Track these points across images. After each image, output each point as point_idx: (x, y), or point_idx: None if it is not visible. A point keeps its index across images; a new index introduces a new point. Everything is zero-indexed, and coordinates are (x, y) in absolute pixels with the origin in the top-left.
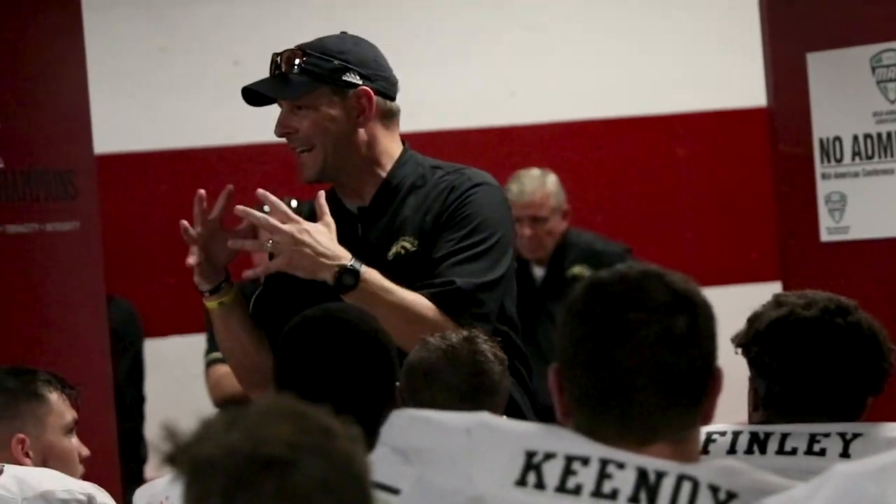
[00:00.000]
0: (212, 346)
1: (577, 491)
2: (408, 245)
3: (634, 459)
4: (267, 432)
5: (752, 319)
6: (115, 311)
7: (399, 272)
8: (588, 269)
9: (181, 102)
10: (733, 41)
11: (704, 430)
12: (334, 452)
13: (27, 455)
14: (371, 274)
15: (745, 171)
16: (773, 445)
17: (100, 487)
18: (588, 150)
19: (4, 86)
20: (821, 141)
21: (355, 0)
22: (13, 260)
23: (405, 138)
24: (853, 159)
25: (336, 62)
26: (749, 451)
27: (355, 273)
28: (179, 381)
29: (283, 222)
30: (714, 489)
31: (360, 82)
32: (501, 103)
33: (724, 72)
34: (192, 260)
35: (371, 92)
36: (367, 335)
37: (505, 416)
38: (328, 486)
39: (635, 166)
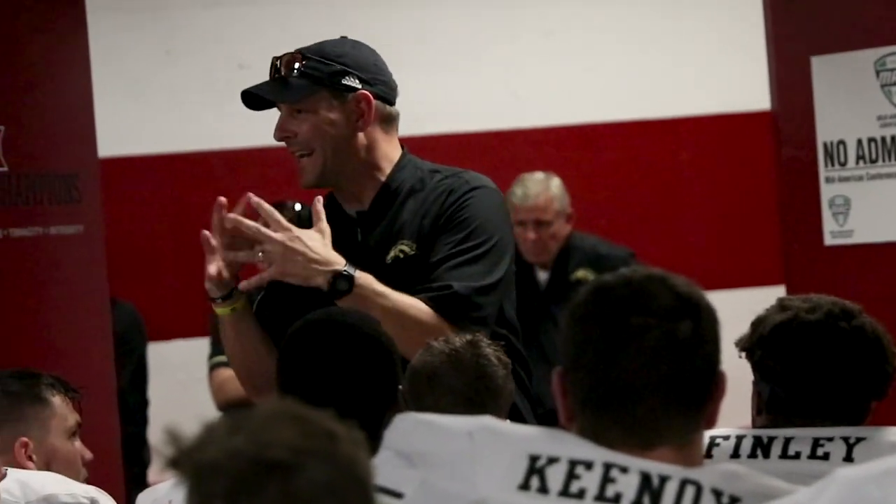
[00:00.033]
0: (215, 349)
1: (580, 495)
2: (406, 249)
3: (638, 463)
4: (270, 436)
5: (756, 323)
6: (118, 315)
7: (397, 276)
8: (592, 273)
9: (185, 106)
10: (737, 45)
11: (708, 434)
12: (338, 456)
13: (30, 459)
14: (365, 279)
15: (749, 174)
16: (776, 449)
17: (103, 491)
18: (592, 153)
19: (8, 89)
20: (825, 145)
21: (360, 3)
22: (17, 263)
23: (410, 142)
24: (857, 163)
25: (335, 66)
26: (753, 455)
27: (349, 278)
28: (183, 384)
29: (275, 230)
30: (717, 493)
31: (360, 86)
32: (506, 107)
33: (728, 75)
34: (212, 270)
35: (370, 96)
36: (370, 338)
37: (508, 421)
38: (332, 489)
39: (639, 170)
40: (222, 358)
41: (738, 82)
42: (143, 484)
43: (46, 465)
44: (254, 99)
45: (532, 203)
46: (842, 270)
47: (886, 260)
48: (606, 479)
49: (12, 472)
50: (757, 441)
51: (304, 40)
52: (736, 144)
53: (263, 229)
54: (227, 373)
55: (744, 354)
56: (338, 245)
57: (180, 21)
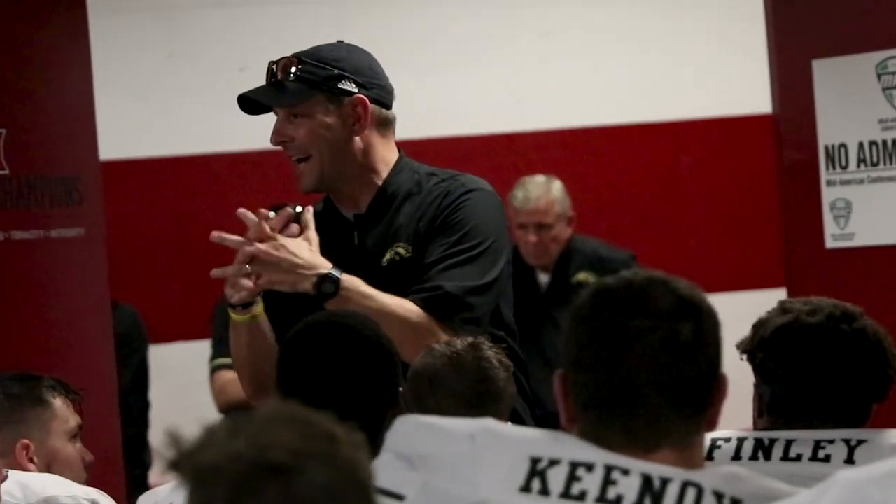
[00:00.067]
0: (216, 352)
1: (581, 497)
2: (402, 251)
3: (639, 466)
4: (271, 439)
5: (758, 326)
6: (119, 317)
7: (393, 278)
8: (593, 276)
9: (187, 108)
10: (739, 48)
11: (709, 437)
12: (338, 459)
13: (31, 461)
14: (351, 281)
15: (751, 177)
16: (777, 452)
17: (104, 493)
18: (593, 156)
19: (10, 91)
20: (826, 148)
21: (361, 6)
22: (18, 266)
23: (411, 145)
24: (858, 166)
25: (332, 70)
26: (754, 457)
27: (335, 280)
28: (184, 387)
29: (261, 241)
30: (718, 496)
31: (356, 90)
32: (507, 110)
33: (729, 79)
34: (250, 284)
35: (366, 100)
36: (370, 340)
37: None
38: (332, 492)
39: (640, 173)
40: (223, 360)
41: (740, 86)
42: (143, 486)
43: (47, 467)
44: (250, 103)
45: (533, 206)
46: (843, 273)
47: (887, 263)
48: (607, 481)
49: (13, 474)
50: (758, 443)
51: (306, 42)
52: (737, 148)
53: (247, 242)
54: (228, 375)
55: (745, 357)
56: (335, 248)
57: (182, 23)
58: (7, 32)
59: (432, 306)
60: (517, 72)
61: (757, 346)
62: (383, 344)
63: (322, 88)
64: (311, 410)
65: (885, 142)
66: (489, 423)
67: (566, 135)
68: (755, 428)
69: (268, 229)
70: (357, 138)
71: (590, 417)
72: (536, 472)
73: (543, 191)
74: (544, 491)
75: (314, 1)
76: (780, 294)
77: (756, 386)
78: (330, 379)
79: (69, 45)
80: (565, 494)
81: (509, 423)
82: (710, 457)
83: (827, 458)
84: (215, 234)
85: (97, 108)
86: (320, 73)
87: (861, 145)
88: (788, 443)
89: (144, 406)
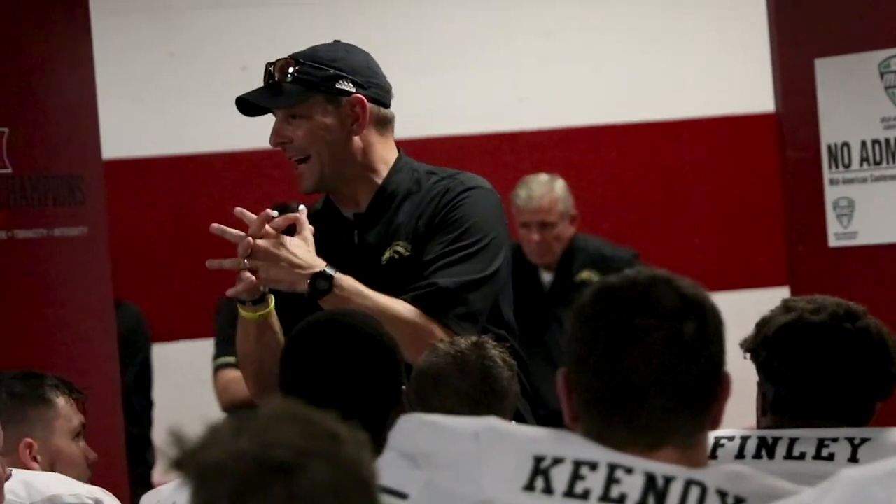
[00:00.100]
0: (220, 350)
1: (585, 496)
2: (401, 250)
3: (643, 464)
4: (274, 437)
5: (761, 324)
6: (122, 316)
7: (392, 277)
8: (596, 275)
9: (189, 108)
10: (741, 47)
11: (713, 435)
12: (341, 457)
13: (35, 459)
14: (345, 279)
15: (753, 176)
16: (781, 450)
17: (107, 492)
18: (596, 155)
19: (12, 91)
20: (829, 146)
21: (361, 6)
22: (21, 265)
23: (411, 144)
24: (861, 165)
25: (329, 70)
26: (757, 455)
27: (329, 278)
28: (187, 385)
29: (261, 238)
30: (722, 494)
31: (354, 90)
32: (510, 109)
33: (732, 77)
34: (251, 278)
35: (364, 100)
36: (373, 338)
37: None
38: (335, 490)
39: (643, 172)
40: (227, 359)
41: (743, 84)
42: (147, 485)
43: (51, 466)
44: (248, 105)
45: (536, 205)
46: (846, 272)
47: (890, 261)
48: (611, 480)
49: (17, 473)
50: (762, 442)
51: (306, 42)
52: (740, 146)
53: (247, 237)
54: (232, 374)
55: (748, 355)
56: (334, 247)
57: (183, 23)
58: (9, 31)
59: (425, 303)
60: (520, 71)
61: (760, 345)
62: (386, 342)
63: (320, 89)
64: (315, 409)
65: (887, 140)
66: (493, 422)
67: (569, 133)
68: (759, 426)
69: (267, 227)
70: (356, 138)
71: (593, 416)
72: (540, 470)
73: (546, 189)
74: (548, 490)
75: (313, 2)
76: (783, 293)
77: (759, 384)
78: (333, 377)
79: (71, 44)
80: (569, 493)
81: (513, 422)
82: (713, 455)
83: (830, 457)
84: (216, 225)
85: (99, 108)
86: (318, 73)
87: (864, 144)
88: (792, 441)
89: (148, 405)
